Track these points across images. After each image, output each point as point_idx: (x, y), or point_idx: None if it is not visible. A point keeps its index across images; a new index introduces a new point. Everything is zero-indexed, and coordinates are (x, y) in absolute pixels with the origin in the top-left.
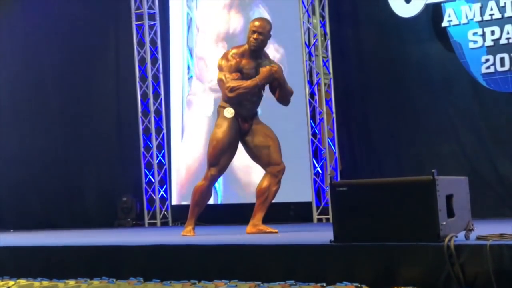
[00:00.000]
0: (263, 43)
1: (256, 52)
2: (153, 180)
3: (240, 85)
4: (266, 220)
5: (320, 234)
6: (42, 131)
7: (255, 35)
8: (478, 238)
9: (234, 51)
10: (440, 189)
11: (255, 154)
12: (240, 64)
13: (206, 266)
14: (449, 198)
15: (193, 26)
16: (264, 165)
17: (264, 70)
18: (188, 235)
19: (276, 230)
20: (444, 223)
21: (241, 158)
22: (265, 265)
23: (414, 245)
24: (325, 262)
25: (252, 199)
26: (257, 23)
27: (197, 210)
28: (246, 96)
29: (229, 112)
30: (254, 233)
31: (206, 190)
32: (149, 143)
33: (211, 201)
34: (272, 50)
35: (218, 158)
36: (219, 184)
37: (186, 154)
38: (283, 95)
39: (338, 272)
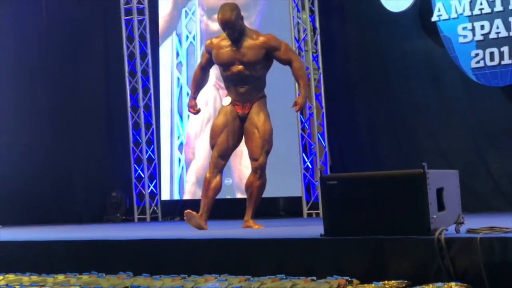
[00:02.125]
0: (238, 31)
1: (238, 38)
2: (143, 175)
3: (192, 82)
4: (256, 215)
5: (310, 228)
6: (31, 126)
7: (227, 31)
8: (469, 231)
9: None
10: (430, 182)
11: (245, 143)
12: (214, 43)
13: (196, 261)
14: (439, 191)
15: (183, 11)
16: (249, 158)
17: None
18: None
19: (263, 226)
20: (435, 216)
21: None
22: (255, 259)
23: (404, 239)
24: (315, 255)
25: (240, 193)
26: (222, 17)
27: (204, 201)
28: (236, 81)
29: (226, 100)
30: (244, 228)
31: (208, 176)
32: (138, 138)
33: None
34: None
35: (215, 139)
36: None
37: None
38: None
39: (329, 265)
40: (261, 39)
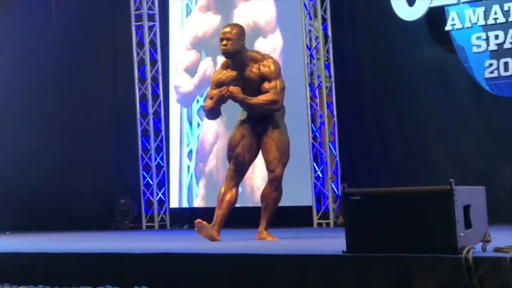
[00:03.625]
0: (234, 47)
1: (235, 59)
2: (151, 183)
3: (205, 103)
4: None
5: (329, 242)
6: (39, 132)
7: (223, 43)
8: (496, 250)
9: (223, 61)
10: (457, 199)
11: (262, 155)
12: (220, 80)
13: (212, 276)
14: (466, 208)
15: None
16: (266, 169)
17: (215, 93)
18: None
19: (276, 238)
20: (462, 234)
21: None
22: (274, 275)
23: (430, 257)
24: (337, 273)
25: (251, 203)
26: (223, 30)
27: (217, 212)
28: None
29: (241, 114)
30: (258, 240)
31: (223, 189)
32: (147, 145)
33: (211, 204)
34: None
35: (232, 152)
36: None
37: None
38: (253, 110)
39: (351, 283)
40: (262, 69)
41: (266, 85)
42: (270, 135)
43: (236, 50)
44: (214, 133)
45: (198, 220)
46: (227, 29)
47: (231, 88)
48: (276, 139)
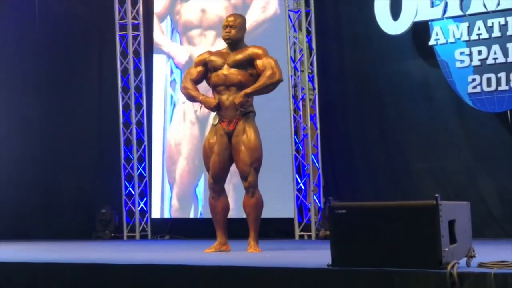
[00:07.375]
0: (236, 35)
1: (233, 46)
2: (133, 193)
3: (189, 90)
4: (246, 236)
5: (313, 254)
6: (20, 140)
7: (226, 29)
8: (480, 265)
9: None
10: (443, 214)
11: (234, 162)
12: (207, 58)
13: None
14: (451, 223)
15: (176, 30)
16: (240, 177)
17: (210, 101)
18: (208, 251)
19: (261, 250)
20: (447, 249)
21: None
22: None
23: (415, 272)
24: (322, 286)
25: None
26: (228, 18)
27: (216, 224)
28: (222, 86)
29: (213, 119)
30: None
31: (212, 201)
32: (130, 154)
33: (192, 215)
34: None
35: (207, 163)
36: (199, 195)
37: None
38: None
39: None
40: (250, 50)
41: (259, 62)
42: (240, 141)
43: (237, 37)
44: (180, 139)
45: (206, 251)
46: (232, 18)
47: (236, 100)
48: (246, 145)
